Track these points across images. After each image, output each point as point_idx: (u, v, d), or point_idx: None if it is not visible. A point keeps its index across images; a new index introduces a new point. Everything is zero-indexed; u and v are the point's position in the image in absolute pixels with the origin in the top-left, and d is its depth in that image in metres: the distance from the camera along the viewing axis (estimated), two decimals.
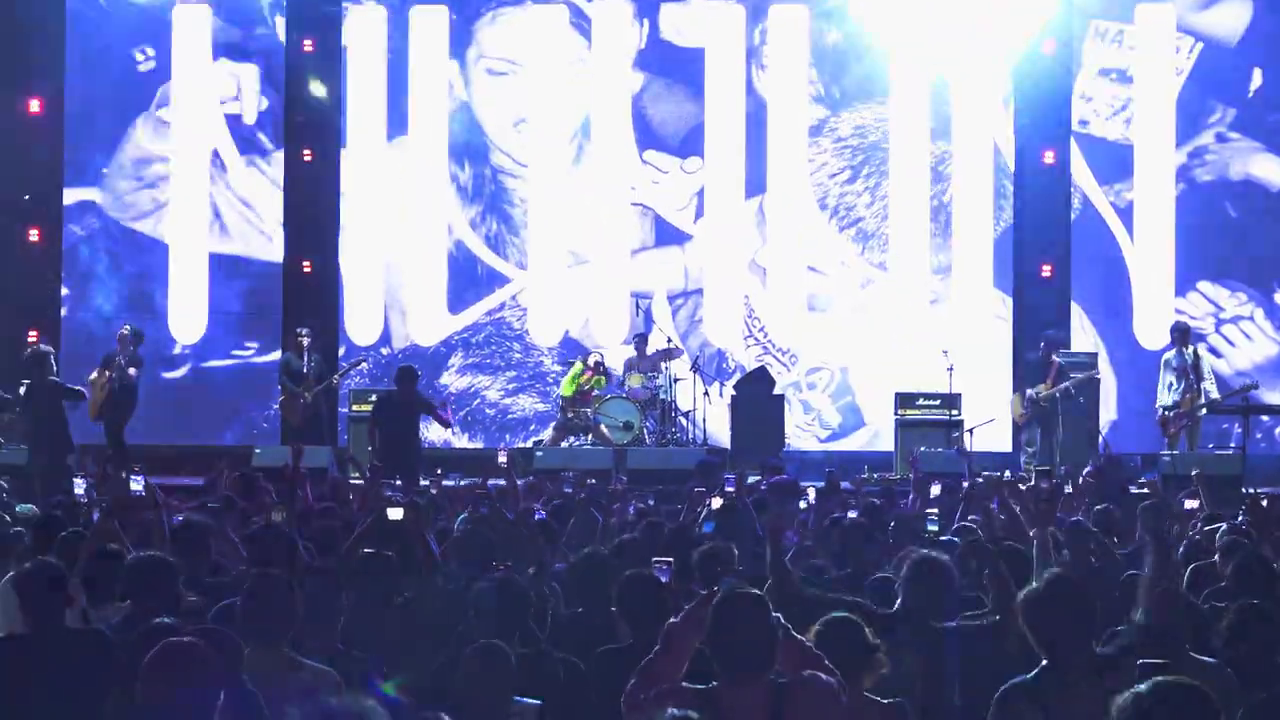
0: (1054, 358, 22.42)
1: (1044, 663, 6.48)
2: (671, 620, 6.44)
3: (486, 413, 25.15)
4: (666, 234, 25.22)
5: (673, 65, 25.34)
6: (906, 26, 24.56)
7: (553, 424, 23.36)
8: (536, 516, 11.86)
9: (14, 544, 10.52)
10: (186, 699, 5.49)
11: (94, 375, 21.76)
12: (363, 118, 25.20)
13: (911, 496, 14.72)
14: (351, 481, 16.71)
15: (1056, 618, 6.50)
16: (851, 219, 25.12)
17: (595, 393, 22.89)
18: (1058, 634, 6.47)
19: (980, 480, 13.94)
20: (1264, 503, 12.55)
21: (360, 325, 25.13)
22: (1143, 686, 5.20)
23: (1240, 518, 12.69)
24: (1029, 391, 22.43)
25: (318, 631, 7.61)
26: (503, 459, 15.69)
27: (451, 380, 24.95)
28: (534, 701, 6.93)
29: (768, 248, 25.11)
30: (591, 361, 23.11)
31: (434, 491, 14.88)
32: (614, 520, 12.71)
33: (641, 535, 11.05)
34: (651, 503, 14.05)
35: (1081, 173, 24.56)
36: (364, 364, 23.66)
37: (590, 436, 22.72)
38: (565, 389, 23.10)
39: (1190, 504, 13.93)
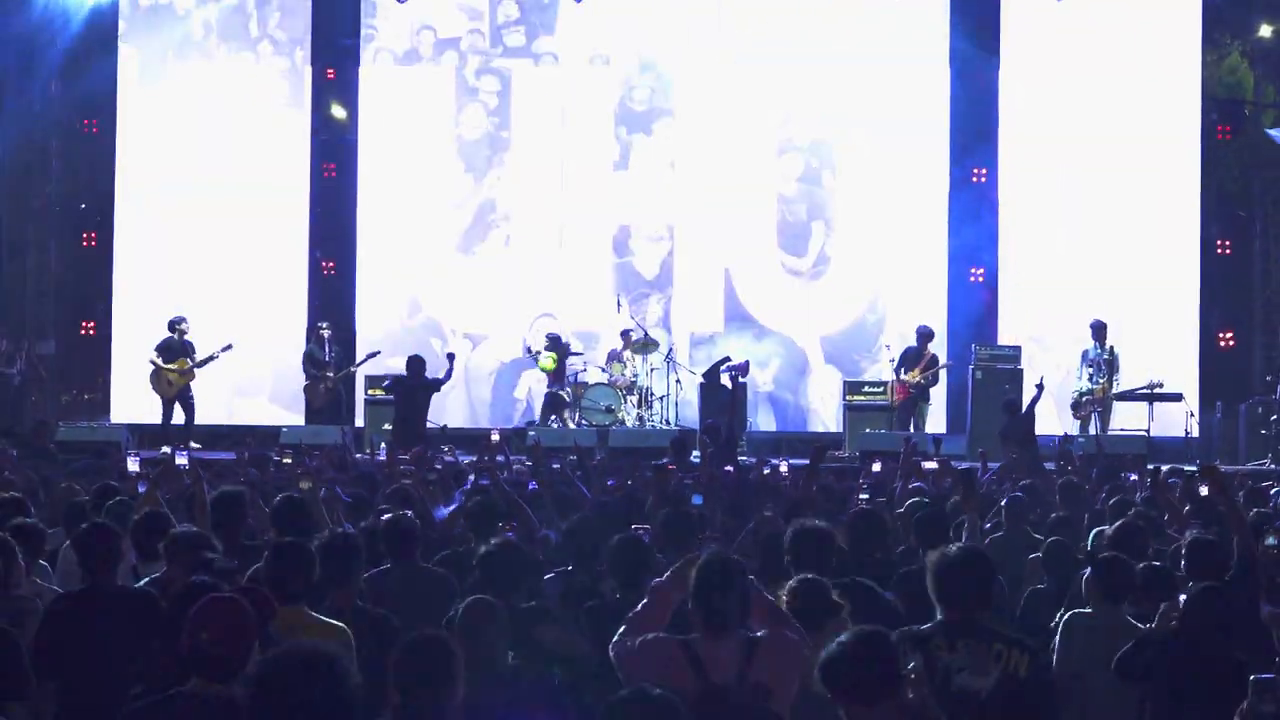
0: (927, 350, 22.45)
1: (939, 618, 6.47)
2: (657, 579, 6.41)
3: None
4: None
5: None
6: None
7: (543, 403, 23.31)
8: (530, 488, 11.85)
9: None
10: (227, 648, 5.47)
11: (172, 364, 21.95)
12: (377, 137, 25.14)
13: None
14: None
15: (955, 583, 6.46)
16: (799, 216, 25.04)
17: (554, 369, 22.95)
18: (955, 596, 6.43)
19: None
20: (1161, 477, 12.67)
21: (374, 319, 25.01)
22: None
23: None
24: (903, 378, 22.43)
25: (337, 590, 7.53)
26: (495, 437, 15.67)
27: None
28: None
29: (730, 243, 25.05)
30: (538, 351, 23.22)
31: (439, 467, 14.76)
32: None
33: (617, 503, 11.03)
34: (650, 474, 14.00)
35: None
36: (377, 354, 23.52)
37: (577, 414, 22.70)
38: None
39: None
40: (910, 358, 22.59)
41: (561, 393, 22.99)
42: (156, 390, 22.25)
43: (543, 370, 23.19)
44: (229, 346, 22.38)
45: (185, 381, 22.20)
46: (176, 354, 22.23)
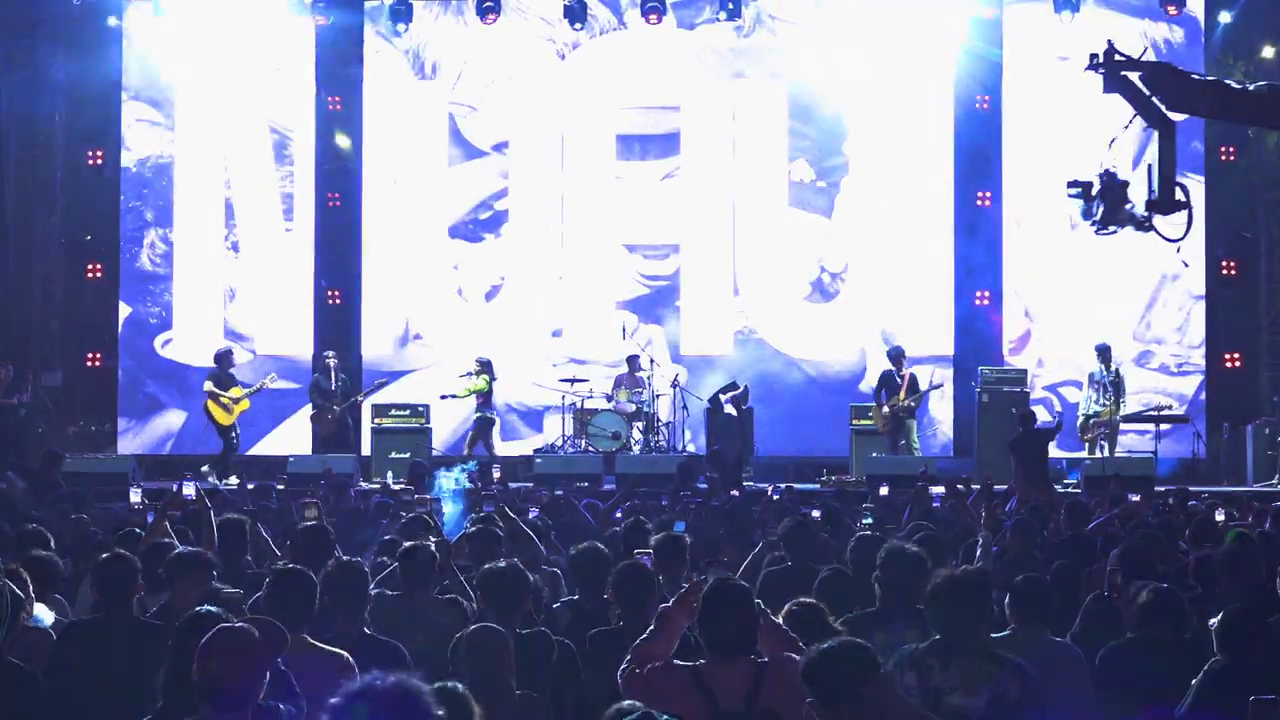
0: (904, 370, 22.42)
1: (935, 637, 6.55)
2: (664, 605, 6.39)
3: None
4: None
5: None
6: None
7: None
8: (531, 515, 11.81)
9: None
10: (236, 677, 5.45)
11: (235, 390, 22.42)
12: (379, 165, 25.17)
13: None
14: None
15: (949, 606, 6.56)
16: (807, 241, 25.05)
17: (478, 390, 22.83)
18: (949, 618, 6.52)
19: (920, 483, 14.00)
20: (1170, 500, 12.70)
21: (378, 347, 25.01)
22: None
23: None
24: (885, 407, 22.32)
25: (345, 617, 7.51)
26: (497, 474, 15.76)
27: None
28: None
29: (741, 268, 25.06)
30: (469, 373, 23.03)
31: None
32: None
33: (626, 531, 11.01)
34: (664, 501, 13.95)
35: None
36: (384, 384, 23.58)
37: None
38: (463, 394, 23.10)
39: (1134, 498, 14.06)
40: (888, 381, 22.52)
41: (490, 415, 22.93)
42: (217, 419, 22.39)
43: (471, 392, 22.98)
44: (274, 378, 22.80)
45: (242, 409, 22.48)
46: (227, 384, 22.45)
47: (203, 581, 8.07)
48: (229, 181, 25.12)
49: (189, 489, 10.48)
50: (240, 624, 5.84)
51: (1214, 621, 7.48)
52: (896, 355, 22.63)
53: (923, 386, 22.56)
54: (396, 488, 17.02)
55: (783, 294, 24.94)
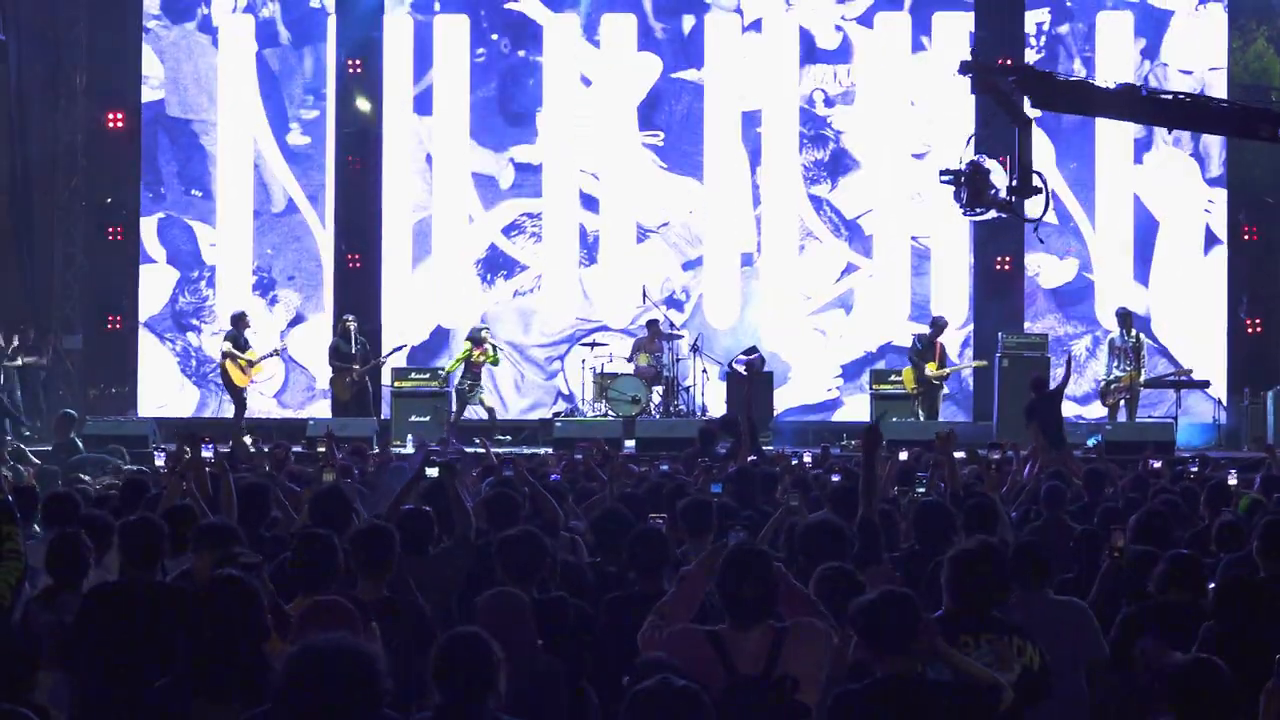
0: (938, 340, 22.39)
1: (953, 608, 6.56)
2: (685, 568, 6.40)
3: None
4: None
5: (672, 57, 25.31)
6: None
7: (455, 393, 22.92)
8: (551, 479, 11.80)
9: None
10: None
11: (250, 352, 22.55)
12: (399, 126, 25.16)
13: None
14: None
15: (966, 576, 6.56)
16: (839, 213, 25.05)
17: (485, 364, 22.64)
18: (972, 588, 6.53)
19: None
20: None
21: (397, 311, 25.04)
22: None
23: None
24: (928, 370, 22.27)
25: (368, 580, 7.51)
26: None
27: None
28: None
29: (764, 237, 25.04)
30: (479, 339, 22.76)
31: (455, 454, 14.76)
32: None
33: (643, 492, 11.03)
34: (665, 468, 13.85)
35: None
36: (405, 348, 23.60)
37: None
38: (450, 368, 22.89)
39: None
40: (925, 347, 22.49)
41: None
42: (235, 382, 22.46)
43: (491, 363, 22.86)
44: (284, 348, 22.92)
45: (257, 372, 22.61)
46: (243, 347, 22.51)
47: (223, 550, 8.09)
48: (256, 145, 25.17)
49: (207, 451, 10.51)
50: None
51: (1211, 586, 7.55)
52: (939, 324, 22.61)
53: (953, 359, 22.54)
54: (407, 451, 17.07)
55: (802, 260, 24.93)
